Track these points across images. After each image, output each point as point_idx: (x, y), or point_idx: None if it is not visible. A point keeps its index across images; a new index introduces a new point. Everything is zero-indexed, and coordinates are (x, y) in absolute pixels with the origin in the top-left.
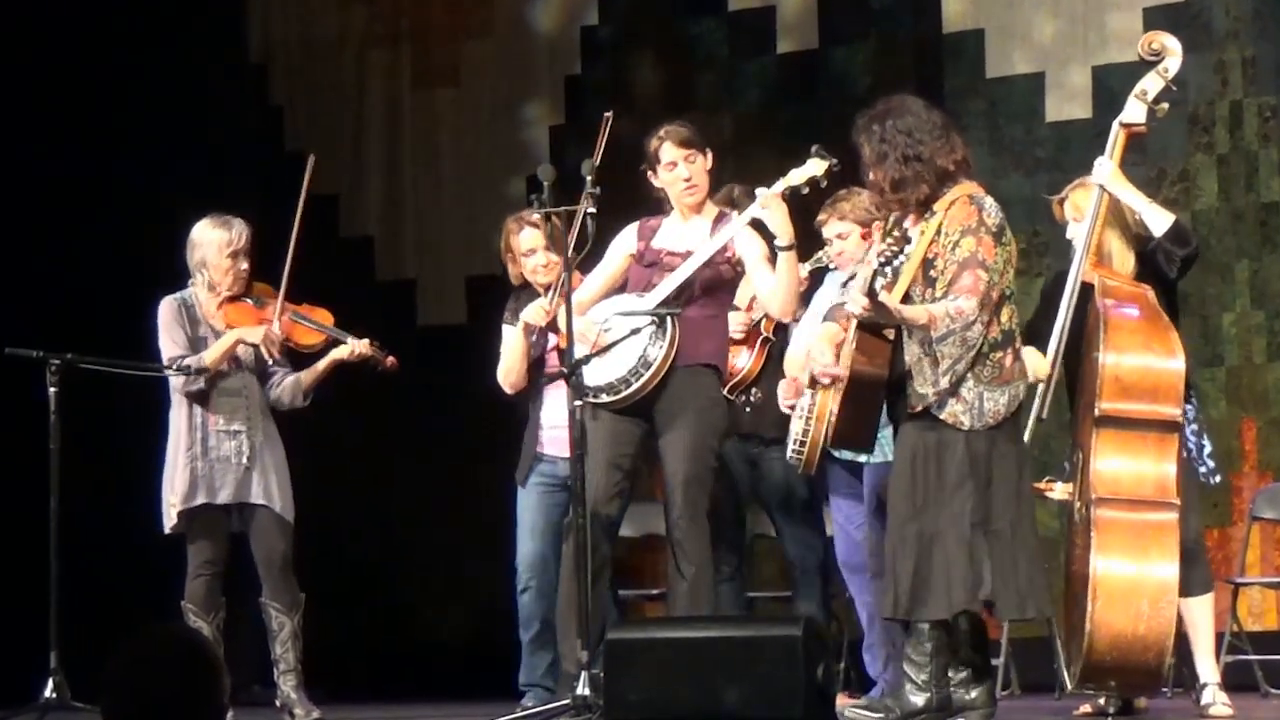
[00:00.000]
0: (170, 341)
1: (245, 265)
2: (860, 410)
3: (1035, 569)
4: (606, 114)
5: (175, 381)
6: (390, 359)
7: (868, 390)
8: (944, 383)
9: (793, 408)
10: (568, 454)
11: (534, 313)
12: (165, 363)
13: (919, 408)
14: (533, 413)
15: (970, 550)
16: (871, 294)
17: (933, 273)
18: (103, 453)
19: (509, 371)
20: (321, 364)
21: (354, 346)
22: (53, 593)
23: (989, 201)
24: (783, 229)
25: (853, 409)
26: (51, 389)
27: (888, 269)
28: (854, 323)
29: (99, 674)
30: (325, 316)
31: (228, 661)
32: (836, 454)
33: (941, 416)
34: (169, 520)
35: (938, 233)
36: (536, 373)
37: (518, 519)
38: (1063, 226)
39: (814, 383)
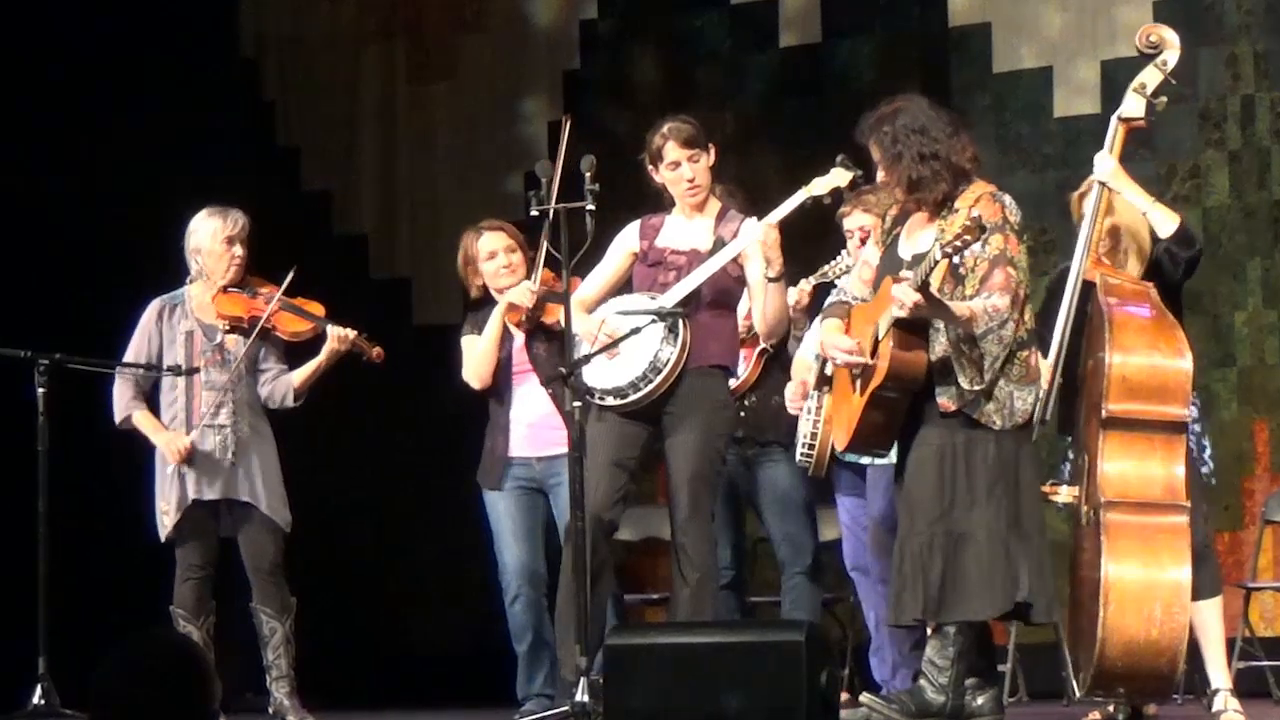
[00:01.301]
0: (132, 349)
1: (240, 253)
2: (890, 411)
3: (1052, 572)
4: (566, 116)
5: (122, 400)
6: (377, 350)
7: (904, 389)
8: (988, 379)
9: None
10: (542, 454)
11: (520, 293)
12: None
13: (955, 407)
14: (497, 414)
15: (1006, 552)
16: (924, 288)
17: (961, 270)
18: (92, 455)
19: (481, 363)
20: (313, 363)
21: (337, 334)
22: (41, 597)
23: (1009, 199)
24: (774, 260)
25: (882, 410)
26: (40, 389)
27: (956, 258)
28: (888, 320)
29: (88, 681)
30: (317, 308)
31: (219, 668)
32: (842, 456)
33: (975, 416)
34: (163, 529)
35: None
36: (503, 372)
37: (494, 526)
38: (1076, 223)
39: (821, 383)
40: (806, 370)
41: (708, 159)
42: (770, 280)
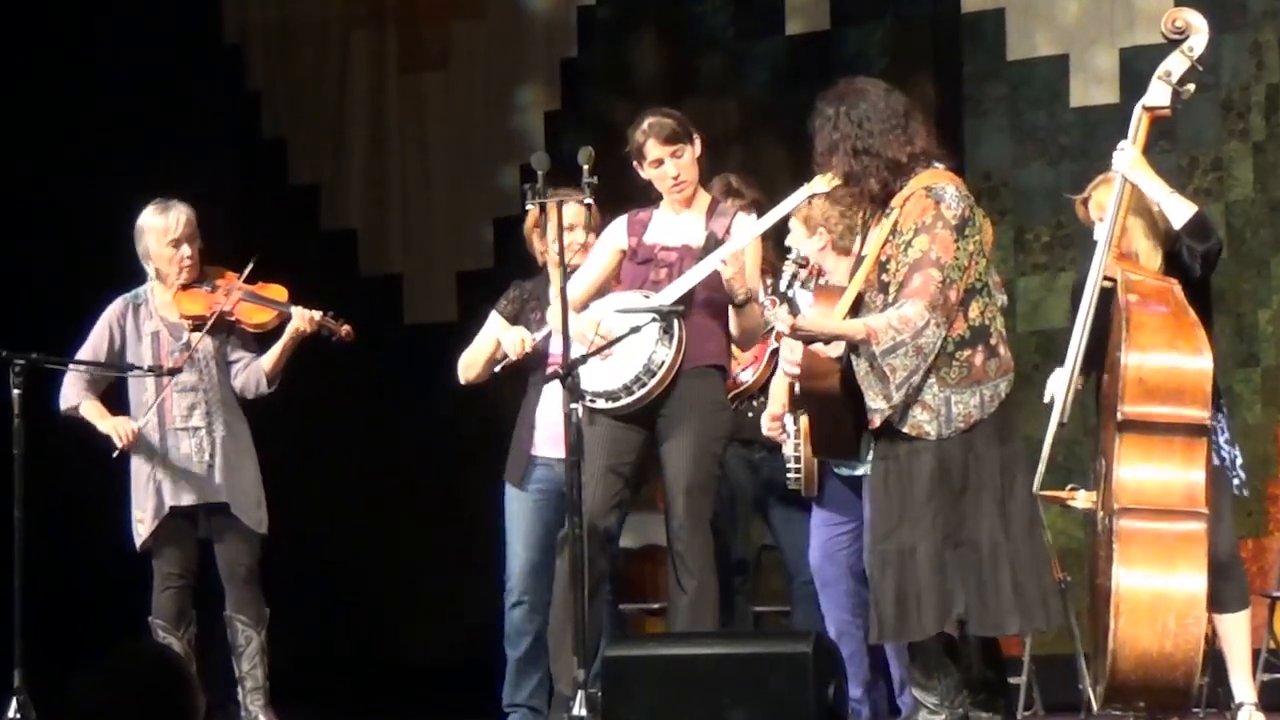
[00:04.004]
0: (88, 347)
1: (188, 252)
2: (828, 424)
3: (1033, 579)
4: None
5: (74, 389)
6: (345, 328)
7: (825, 406)
8: (898, 396)
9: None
10: (563, 455)
11: (512, 341)
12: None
13: (877, 423)
14: (527, 409)
15: (941, 566)
16: (793, 311)
17: (885, 276)
18: (69, 459)
19: (471, 366)
20: (278, 345)
21: (300, 320)
22: (17, 607)
23: (949, 191)
24: (737, 288)
25: (822, 423)
26: (15, 390)
27: (790, 292)
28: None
29: (65, 694)
30: (279, 293)
31: (201, 679)
32: (837, 469)
33: (905, 429)
34: (138, 538)
35: (893, 232)
36: (533, 368)
37: (507, 525)
38: (1086, 225)
39: (794, 405)
40: (780, 395)
41: (693, 152)
42: (735, 306)
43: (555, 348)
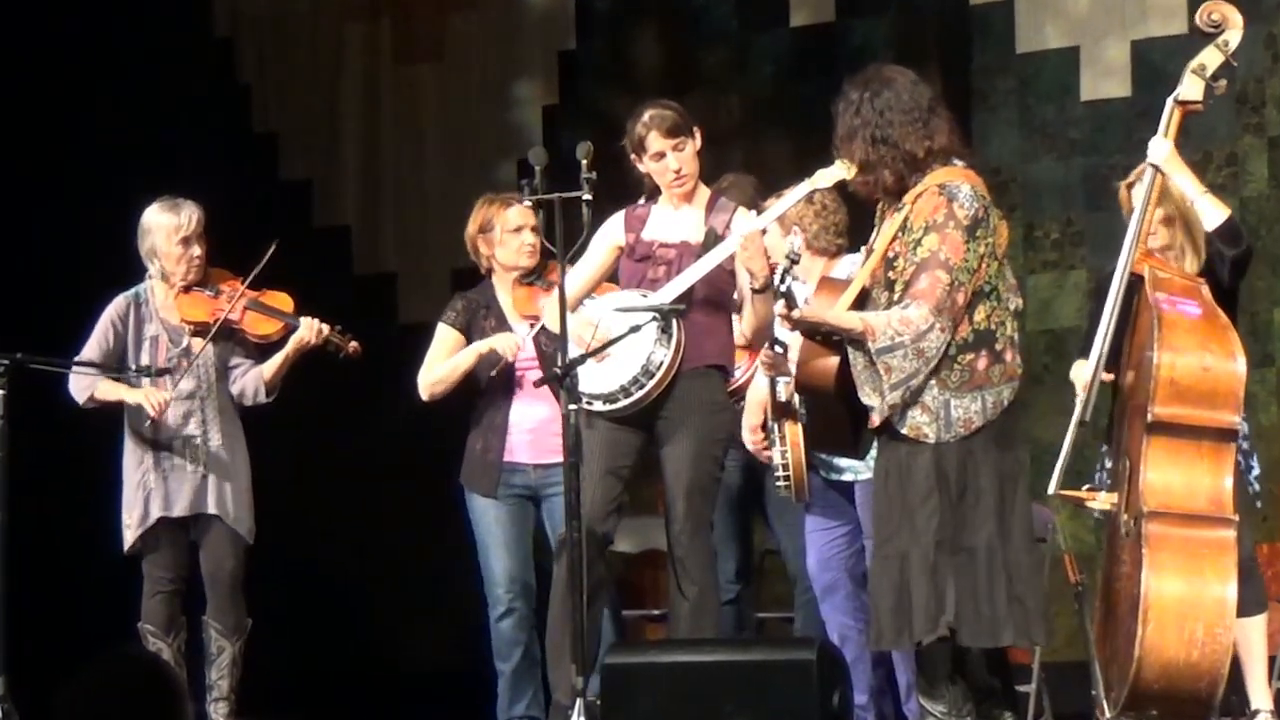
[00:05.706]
0: (93, 344)
1: (198, 252)
2: (825, 415)
3: (1031, 592)
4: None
5: (81, 382)
6: (353, 345)
7: (820, 399)
8: (893, 396)
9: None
10: (541, 461)
11: (507, 344)
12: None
13: (876, 421)
14: (490, 413)
15: (933, 572)
16: (790, 304)
17: (892, 274)
18: (56, 461)
19: (441, 382)
20: (280, 356)
21: (306, 330)
22: (1, 613)
23: (964, 190)
24: (757, 271)
25: (820, 414)
26: (0, 391)
27: (783, 287)
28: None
29: (50, 703)
30: (285, 302)
31: (191, 687)
32: (826, 475)
33: (903, 430)
34: (125, 542)
35: (902, 228)
36: (503, 375)
37: (480, 535)
38: (1126, 215)
39: (778, 413)
40: (759, 407)
41: (693, 145)
42: (754, 291)
43: (526, 351)
